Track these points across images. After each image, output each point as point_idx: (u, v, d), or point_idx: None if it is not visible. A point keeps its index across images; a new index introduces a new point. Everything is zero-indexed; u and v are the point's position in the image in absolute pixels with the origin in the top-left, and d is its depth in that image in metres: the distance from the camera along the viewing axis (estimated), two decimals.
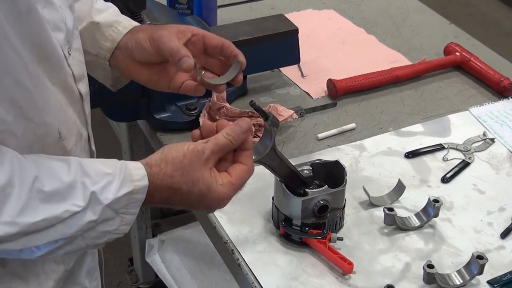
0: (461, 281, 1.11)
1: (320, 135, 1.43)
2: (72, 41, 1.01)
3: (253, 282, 1.12)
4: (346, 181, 1.19)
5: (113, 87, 1.22)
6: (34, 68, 0.90)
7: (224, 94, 1.42)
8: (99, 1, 1.19)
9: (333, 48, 1.75)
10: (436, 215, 1.21)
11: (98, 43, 1.15)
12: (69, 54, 0.99)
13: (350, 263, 1.12)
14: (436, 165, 1.37)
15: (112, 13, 1.18)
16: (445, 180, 1.33)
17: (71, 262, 1.07)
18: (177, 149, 0.98)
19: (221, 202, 1.01)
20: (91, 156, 1.09)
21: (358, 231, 1.22)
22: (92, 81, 1.30)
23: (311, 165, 1.22)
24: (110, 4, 1.21)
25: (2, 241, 0.86)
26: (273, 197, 1.21)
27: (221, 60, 1.14)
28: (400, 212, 1.22)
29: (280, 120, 1.39)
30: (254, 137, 1.38)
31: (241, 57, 1.12)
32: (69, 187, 0.90)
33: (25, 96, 0.89)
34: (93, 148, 1.10)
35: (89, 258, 1.13)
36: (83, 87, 1.04)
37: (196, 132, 1.05)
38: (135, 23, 1.17)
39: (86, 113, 1.06)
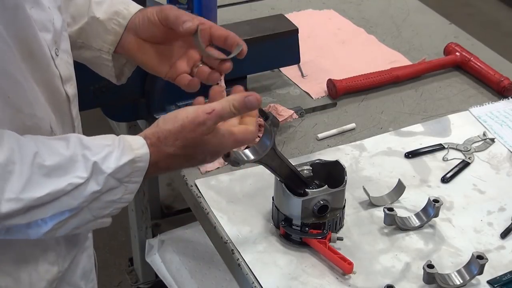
0: (461, 281, 1.11)
1: (320, 135, 1.43)
2: (60, 42, 1.01)
3: (253, 282, 1.12)
4: (346, 181, 1.18)
5: (118, 80, 1.21)
6: (22, 64, 0.90)
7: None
8: None
9: (333, 48, 1.75)
10: (436, 215, 1.21)
11: (101, 37, 1.15)
12: (57, 55, 0.99)
13: (350, 263, 1.12)
14: (436, 165, 1.37)
15: (110, 3, 1.17)
16: (445, 180, 1.33)
17: (65, 263, 1.07)
18: (172, 119, 0.98)
19: (222, 151, 1.02)
20: None
21: (358, 231, 1.22)
22: (92, 81, 1.31)
23: (311, 165, 1.22)
24: None
25: (8, 217, 0.87)
26: (273, 197, 1.21)
27: (220, 54, 1.14)
28: (400, 212, 1.22)
29: (280, 120, 1.39)
30: None
31: (244, 45, 1.11)
32: (70, 160, 0.91)
33: (13, 87, 0.90)
34: None
35: (85, 260, 1.13)
36: (71, 88, 1.04)
37: (200, 99, 1.04)
38: (134, 9, 1.15)
39: (73, 115, 1.06)
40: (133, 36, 1.14)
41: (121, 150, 0.94)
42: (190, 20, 1.07)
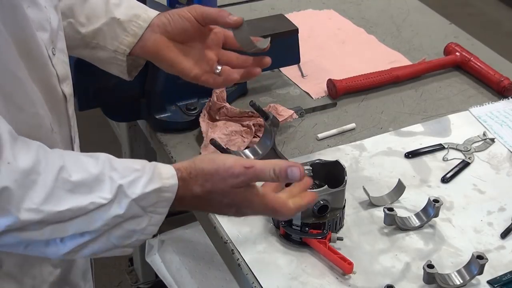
0: (461, 281, 1.11)
1: (320, 135, 1.43)
2: (56, 41, 1.01)
3: (253, 282, 1.12)
4: (346, 181, 1.19)
5: (130, 76, 1.22)
6: (21, 62, 0.90)
7: (224, 94, 1.42)
8: None
9: (333, 48, 1.75)
10: (436, 215, 1.21)
11: (118, 38, 1.16)
12: (53, 54, 0.99)
13: (350, 263, 1.12)
14: (436, 165, 1.37)
15: (128, 6, 1.18)
16: (445, 180, 1.33)
17: (66, 264, 1.06)
18: (210, 161, 0.96)
19: (250, 210, 0.99)
20: None
21: (358, 231, 1.22)
22: (92, 81, 1.31)
23: (311, 165, 1.22)
24: None
25: (26, 228, 0.85)
26: None
27: (237, 54, 1.16)
28: (400, 212, 1.22)
29: (280, 120, 1.39)
30: (254, 137, 1.38)
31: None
32: (96, 179, 0.88)
33: (15, 85, 0.89)
34: (77, 150, 1.08)
35: (83, 260, 1.13)
36: (67, 88, 1.04)
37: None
38: (153, 13, 1.17)
39: (70, 114, 1.05)
40: (160, 35, 1.15)
41: (150, 177, 0.91)
42: (233, 14, 1.10)
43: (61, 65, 1.02)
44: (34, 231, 0.86)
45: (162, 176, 0.93)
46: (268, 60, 1.13)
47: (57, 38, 1.01)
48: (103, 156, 0.92)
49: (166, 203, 0.93)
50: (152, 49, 1.16)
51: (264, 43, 1.12)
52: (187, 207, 0.98)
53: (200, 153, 1.35)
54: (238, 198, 0.96)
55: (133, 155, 2.04)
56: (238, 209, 0.98)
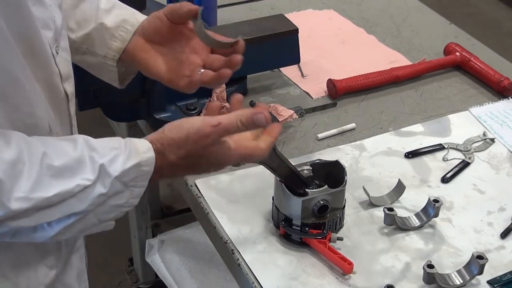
0: (461, 281, 1.11)
1: (320, 135, 1.43)
2: (60, 40, 1.01)
3: (253, 282, 1.12)
4: (346, 181, 1.18)
5: (121, 84, 1.22)
6: (23, 61, 0.90)
7: (224, 94, 1.42)
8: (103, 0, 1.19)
9: (333, 48, 1.75)
10: (436, 215, 1.21)
11: (107, 44, 1.15)
12: (57, 53, 0.99)
13: (350, 263, 1.12)
14: (436, 165, 1.37)
15: (117, 13, 1.18)
16: (445, 180, 1.33)
17: (61, 265, 1.06)
18: (177, 128, 0.98)
19: (227, 163, 1.02)
20: None
21: (358, 231, 1.22)
22: (92, 81, 1.31)
23: (311, 165, 1.22)
24: (113, 0, 1.20)
25: (16, 216, 0.87)
26: (273, 197, 1.21)
27: (221, 58, 1.14)
28: (400, 212, 1.22)
29: (280, 120, 1.39)
30: None
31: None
32: (78, 162, 0.90)
33: (13, 85, 0.89)
34: None
35: (77, 260, 1.13)
36: (69, 87, 1.04)
37: (215, 104, 1.06)
38: (141, 18, 1.17)
39: (71, 114, 1.06)
40: (139, 37, 1.15)
41: (128, 153, 0.94)
42: (192, 5, 1.08)
43: (64, 64, 1.02)
44: (23, 219, 0.88)
45: (139, 150, 0.95)
46: (236, 59, 1.08)
47: (60, 36, 1.02)
48: (81, 138, 0.94)
49: (146, 176, 0.95)
50: (130, 52, 1.16)
51: (228, 40, 1.10)
52: (166, 176, 1.00)
53: None
54: (213, 156, 0.98)
55: None
56: (215, 166, 1.01)
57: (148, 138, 0.98)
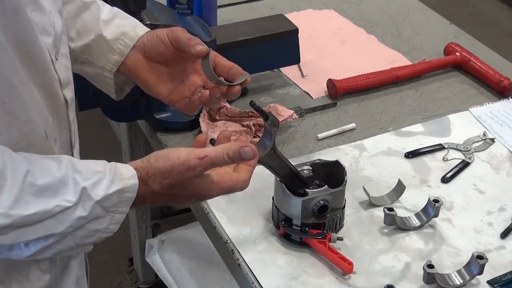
0: (461, 281, 1.11)
1: (320, 135, 1.43)
2: (60, 46, 1.01)
3: (253, 282, 1.12)
4: (346, 181, 1.18)
5: (117, 96, 1.22)
6: (20, 68, 0.90)
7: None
8: (105, 9, 1.18)
9: (333, 48, 1.75)
10: (436, 215, 1.21)
11: (105, 56, 1.15)
12: (56, 59, 0.99)
13: (350, 263, 1.12)
14: (436, 165, 1.37)
15: (118, 24, 1.17)
16: (445, 180, 1.33)
17: (58, 270, 1.06)
18: (163, 158, 0.97)
19: (209, 196, 1.02)
20: None
21: (358, 231, 1.22)
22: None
23: (311, 165, 1.22)
24: (115, 10, 1.20)
25: None
26: (273, 197, 1.21)
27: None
28: (400, 212, 1.22)
29: (280, 120, 1.39)
30: (254, 137, 1.38)
31: (248, 76, 1.12)
32: (60, 182, 0.89)
33: (9, 92, 0.89)
34: (76, 156, 1.08)
35: (77, 267, 1.12)
36: (69, 93, 1.03)
37: (202, 137, 1.05)
38: (141, 31, 1.16)
39: (70, 120, 1.05)
40: (139, 54, 1.14)
41: (112, 178, 0.93)
42: (202, 44, 1.07)
43: (64, 70, 1.01)
44: (0, 236, 0.87)
45: (123, 176, 0.94)
46: (235, 90, 1.10)
47: (60, 42, 1.01)
48: (65, 159, 0.93)
49: (127, 202, 0.94)
50: (131, 69, 1.15)
51: (241, 78, 1.11)
52: (148, 204, 0.99)
53: None
54: (196, 189, 0.98)
55: (133, 155, 2.04)
56: (197, 198, 1.01)
57: (133, 165, 0.97)
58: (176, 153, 0.97)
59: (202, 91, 1.13)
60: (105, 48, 1.15)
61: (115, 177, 0.93)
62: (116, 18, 1.18)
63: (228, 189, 1.01)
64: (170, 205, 1.05)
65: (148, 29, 1.17)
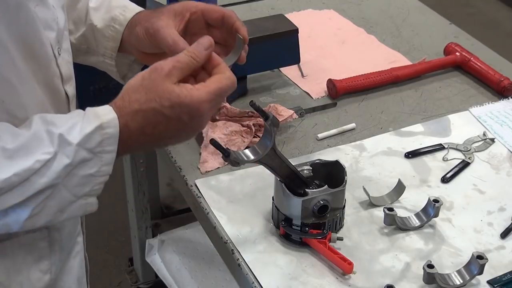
0: (461, 281, 1.10)
1: (320, 135, 1.43)
2: (62, 41, 1.01)
3: (253, 282, 1.12)
4: (346, 181, 1.18)
5: (124, 81, 1.21)
6: (21, 64, 0.90)
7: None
8: None
9: (333, 48, 1.75)
10: (436, 215, 1.21)
11: (102, 43, 1.15)
12: (59, 54, 0.99)
13: (350, 263, 1.12)
14: (436, 165, 1.37)
15: (106, 9, 1.16)
16: (445, 180, 1.33)
17: (58, 270, 1.05)
18: (134, 77, 0.94)
19: (199, 108, 0.92)
20: None
21: (358, 231, 1.22)
22: (92, 81, 1.31)
23: (311, 165, 1.22)
24: None
25: None
26: (273, 197, 1.21)
27: (224, 32, 1.11)
28: (400, 212, 1.22)
29: (280, 120, 1.39)
30: (254, 137, 1.38)
31: (243, 31, 1.07)
32: (33, 138, 0.87)
33: (8, 91, 0.88)
34: None
35: (77, 266, 1.12)
36: (70, 88, 1.03)
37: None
38: (131, 13, 1.14)
39: None
40: (134, 49, 1.14)
41: (87, 119, 0.90)
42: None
43: (66, 66, 1.01)
44: None
45: (99, 113, 0.91)
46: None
47: (63, 38, 1.01)
48: (36, 116, 0.90)
49: (113, 139, 0.91)
50: (132, 51, 1.14)
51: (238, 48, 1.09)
52: (138, 134, 0.93)
53: (200, 154, 1.35)
54: (177, 96, 0.91)
55: (133, 154, 2.04)
56: (190, 115, 0.93)
57: (110, 102, 0.94)
58: (144, 70, 0.94)
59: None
60: (99, 36, 1.15)
61: (89, 117, 0.90)
62: (104, 3, 1.16)
63: (215, 91, 0.93)
64: (167, 137, 0.96)
65: (140, 9, 1.15)
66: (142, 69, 1.21)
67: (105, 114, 0.91)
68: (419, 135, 1.45)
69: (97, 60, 1.17)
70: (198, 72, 0.97)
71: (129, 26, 1.13)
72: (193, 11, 1.10)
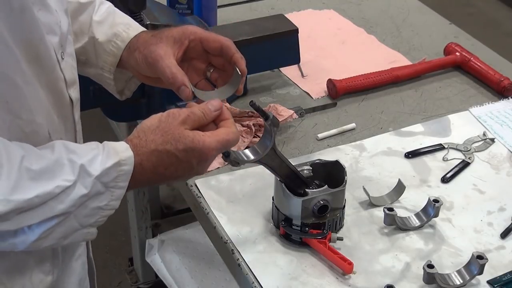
0: (461, 281, 1.11)
1: (320, 135, 1.43)
2: (65, 45, 1.01)
3: (253, 282, 1.12)
4: (346, 181, 1.18)
5: (121, 95, 1.22)
6: (26, 67, 0.90)
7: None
8: (100, 10, 1.17)
9: (333, 48, 1.75)
10: (436, 215, 1.21)
11: (102, 57, 1.15)
12: (62, 59, 0.99)
13: (350, 263, 1.12)
14: (436, 165, 1.37)
15: (110, 24, 1.16)
16: (445, 180, 1.33)
17: (59, 272, 1.05)
18: (150, 119, 0.99)
19: (208, 154, 0.98)
20: None
21: (358, 231, 1.22)
22: (92, 81, 1.31)
23: (311, 165, 1.22)
24: (110, 9, 1.19)
25: None
26: (273, 197, 1.21)
27: (223, 60, 1.13)
28: (400, 212, 1.22)
29: (280, 120, 1.39)
30: (254, 137, 1.38)
31: (241, 65, 1.11)
32: (56, 164, 0.90)
33: (13, 92, 0.89)
34: None
35: (79, 268, 1.12)
36: (74, 92, 1.03)
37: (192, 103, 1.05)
38: (134, 31, 1.15)
39: (76, 120, 1.06)
40: (132, 70, 1.15)
41: (107, 153, 0.93)
42: (184, 85, 1.08)
43: (69, 70, 1.02)
44: (4, 222, 0.87)
45: (118, 150, 0.94)
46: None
47: (66, 42, 1.01)
48: (58, 143, 0.93)
49: (126, 176, 0.94)
50: (130, 69, 1.16)
51: (217, 95, 1.12)
52: (150, 173, 0.97)
53: None
54: (191, 140, 0.97)
55: None
56: (197, 158, 0.98)
57: (125, 139, 0.97)
58: (158, 114, 0.99)
59: (212, 70, 1.13)
60: (99, 49, 1.15)
61: (109, 152, 0.93)
62: (109, 18, 1.17)
63: (223, 141, 0.99)
64: (174, 177, 1.00)
65: (142, 28, 1.16)
66: (140, 87, 1.24)
67: (123, 151, 0.95)
68: (419, 135, 1.45)
69: (95, 72, 1.17)
70: (207, 124, 1.02)
71: (128, 49, 1.14)
72: (191, 38, 1.12)
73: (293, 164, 1.16)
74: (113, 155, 0.93)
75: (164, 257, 2.05)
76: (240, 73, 1.10)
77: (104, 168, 0.92)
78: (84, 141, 1.11)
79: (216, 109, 1.01)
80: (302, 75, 1.63)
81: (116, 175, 0.93)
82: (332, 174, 1.21)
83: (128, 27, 1.16)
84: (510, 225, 1.23)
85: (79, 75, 1.13)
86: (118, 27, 1.15)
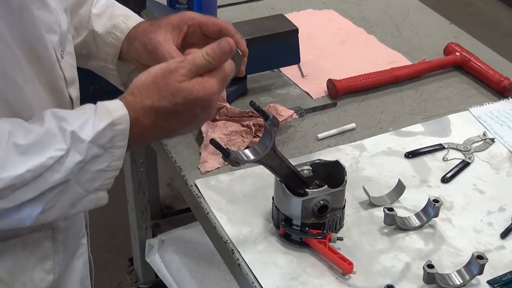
0: (461, 281, 1.10)
1: (320, 135, 1.43)
2: (65, 44, 1.01)
3: (253, 282, 1.12)
4: (346, 181, 1.18)
5: (125, 89, 1.21)
6: (26, 65, 0.90)
7: (224, 94, 1.42)
8: (99, 2, 1.18)
9: (333, 48, 1.75)
10: (436, 215, 1.21)
11: (103, 49, 1.15)
12: (62, 57, 0.99)
13: (350, 263, 1.12)
14: (436, 165, 1.37)
15: (109, 16, 1.16)
16: (445, 180, 1.33)
17: (61, 270, 1.05)
18: (145, 73, 0.95)
19: (211, 99, 0.96)
20: None
21: (358, 231, 1.22)
22: (92, 81, 1.32)
23: (311, 165, 1.22)
24: (109, 1, 1.19)
25: None
26: (273, 197, 1.21)
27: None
28: (400, 212, 1.22)
29: (280, 120, 1.39)
30: (254, 137, 1.38)
31: (242, 45, 1.08)
32: (46, 135, 0.88)
33: (13, 90, 0.89)
34: None
35: (81, 267, 1.12)
36: (74, 91, 1.03)
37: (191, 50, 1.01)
38: (133, 23, 1.15)
39: None
40: (134, 60, 1.14)
41: (98, 116, 0.91)
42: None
43: (69, 69, 1.02)
44: (3, 200, 0.86)
45: (110, 110, 0.92)
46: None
47: (66, 41, 1.01)
48: (48, 112, 0.91)
49: (123, 135, 0.92)
50: (131, 60, 1.14)
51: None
52: (149, 129, 0.95)
53: (200, 154, 1.35)
54: (189, 91, 0.93)
55: (133, 155, 2.04)
56: (200, 106, 0.95)
57: (119, 97, 0.95)
58: (156, 66, 0.95)
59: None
60: (100, 42, 1.15)
61: (101, 113, 0.91)
62: (107, 11, 1.17)
63: (222, 78, 0.96)
64: (179, 129, 1.00)
65: (141, 19, 1.16)
66: None
67: (116, 110, 0.92)
68: (419, 135, 1.45)
69: (98, 64, 1.17)
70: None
71: (127, 39, 1.14)
72: (190, 24, 1.11)
73: (293, 164, 1.16)
74: (105, 116, 0.91)
75: (164, 257, 2.05)
76: (241, 53, 1.09)
77: (97, 131, 0.90)
78: None
79: (226, 52, 0.95)
80: (302, 75, 1.63)
81: (112, 136, 0.91)
82: (332, 174, 1.21)
83: (127, 18, 1.16)
84: (510, 225, 1.23)
85: (79, 75, 1.13)
86: (117, 19, 1.15)
